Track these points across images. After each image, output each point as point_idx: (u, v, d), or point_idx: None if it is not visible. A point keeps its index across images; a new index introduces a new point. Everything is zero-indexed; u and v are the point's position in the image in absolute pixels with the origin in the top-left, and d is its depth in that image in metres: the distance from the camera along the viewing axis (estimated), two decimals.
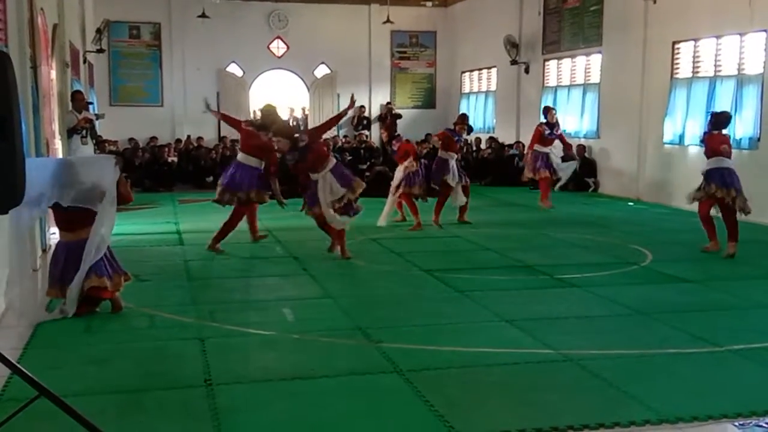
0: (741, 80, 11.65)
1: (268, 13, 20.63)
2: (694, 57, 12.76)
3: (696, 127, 12.24)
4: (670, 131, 13.17)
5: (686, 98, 12.77)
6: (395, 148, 10.84)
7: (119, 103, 19.81)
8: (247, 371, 4.72)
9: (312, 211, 8.28)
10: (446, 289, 7.02)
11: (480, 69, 20.75)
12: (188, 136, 19.34)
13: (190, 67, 20.15)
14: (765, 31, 11.11)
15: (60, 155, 10.34)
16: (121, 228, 8.98)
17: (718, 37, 12.16)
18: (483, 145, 18.93)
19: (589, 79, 15.89)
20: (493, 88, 20.00)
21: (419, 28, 21.97)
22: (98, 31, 17.05)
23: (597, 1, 15.33)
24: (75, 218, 5.84)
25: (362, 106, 21.55)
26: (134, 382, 4.50)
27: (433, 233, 10.28)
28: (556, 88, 17.05)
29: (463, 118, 11.59)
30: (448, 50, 22.02)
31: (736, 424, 3.96)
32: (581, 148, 15.24)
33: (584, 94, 15.93)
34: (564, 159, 13.49)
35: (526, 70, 18.11)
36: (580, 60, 16.21)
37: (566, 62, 16.76)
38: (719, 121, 8.70)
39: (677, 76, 13.09)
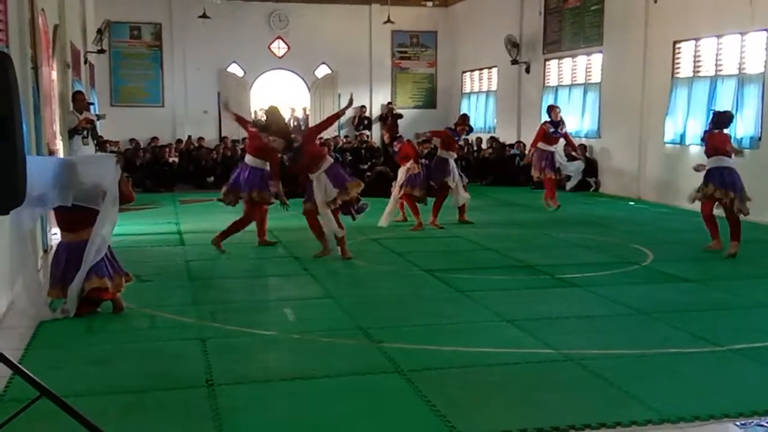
0: (742, 79, 11.65)
1: (268, 14, 20.65)
2: (695, 56, 12.75)
3: (697, 127, 12.23)
4: (671, 131, 13.17)
5: (687, 98, 12.77)
6: (396, 149, 10.83)
7: (120, 103, 19.83)
8: (249, 371, 4.72)
9: (303, 207, 8.29)
10: (447, 289, 7.02)
11: (481, 69, 20.75)
12: (189, 137, 19.36)
13: (190, 68, 20.17)
14: (766, 30, 11.10)
15: (61, 156, 10.35)
16: (122, 228, 8.98)
17: (718, 36, 12.15)
18: (484, 145, 18.93)
19: (590, 79, 15.88)
20: (494, 87, 20.00)
21: (420, 28, 21.98)
22: (99, 31, 17.06)
23: (598, 1, 15.33)
24: (76, 218, 5.84)
25: (363, 106, 21.57)
26: (135, 383, 4.50)
27: (433, 233, 10.28)
28: (556, 88, 17.05)
29: (465, 118, 11.59)
30: (449, 50, 22.03)
31: (738, 423, 3.96)
32: (582, 147, 15.22)
33: (585, 93, 15.92)
34: (570, 158, 13.46)
35: (527, 70, 18.11)
36: (581, 60, 16.20)
37: (567, 62, 16.76)
38: (721, 120, 8.69)
39: (678, 75, 13.09)
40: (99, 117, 13.59)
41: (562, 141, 12.85)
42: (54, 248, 6.92)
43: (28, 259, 5.87)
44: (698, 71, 12.67)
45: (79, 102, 11.49)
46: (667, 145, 13.30)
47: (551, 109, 12.85)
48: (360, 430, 3.93)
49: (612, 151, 15.03)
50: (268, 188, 8.78)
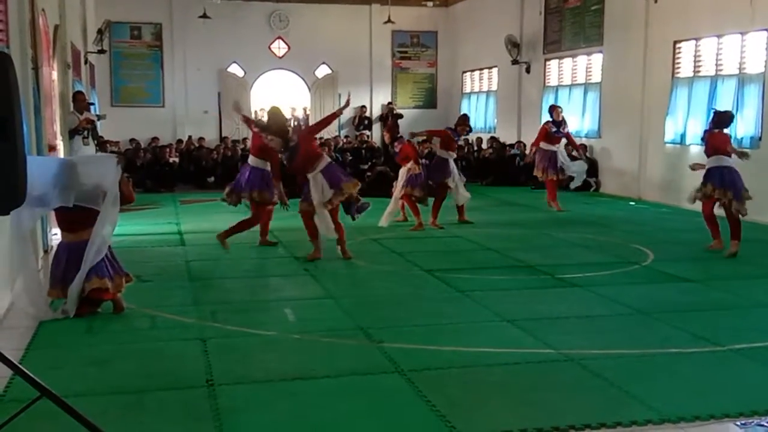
0: (742, 79, 11.65)
1: (269, 14, 20.65)
2: (695, 56, 12.75)
3: (697, 127, 12.23)
4: (671, 130, 13.17)
5: (687, 97, 12.77)
6: (397, 150, 10.83)
7: (120, 103, 19.84)
8: (249, 372, 4.72)
9: (299, 207, 8.28)
10: (447, 289, 7.02)
11: (481, 69, 20.75)
12: (189, 137, 19.37)
13: (191, 68, 20.18)
14: (766, 30, 11.10)
15: (62, 156, 10.35)
16: (122, 229, 8.98)
17: (719, 36, 12.15)
18: (484, 145, 18.94)
19: (590, 79, 15.88)
20: (494, 87, 20.00)
21: (420, 28, 21.98)
22: (99, 31, 17.07)
23: (598, 1, 15.33)
24: (77, 218, 5.84)
25: (363, 107, 21.58)
26: (136, 383, 4.51)
27: (434, 233, 10.28)
28: (557, 88, 17.05)
29: (465, 119, 11.58)
30: (449, 50, 22.03)
31: (738, 423, 3.96)
32: (582, 147, 15.22)
33: (585, 93, 15.92)
34: (572, 158, 13.44)
35: (527, 70, 18.11)
36: (581, 59, 16.20)
37: (567, 62, 16.76)
38: (722, 120, 8.68)
39: (678, 75, 13.09)
40: (99, 117, 13.60)
41: (563, 140, 12.85)
42: (54, 248, 6.93)
43: (29, 258, 5.87)
44: (698, 71, 12.67)
45: (80, 102, 11.50)
46: (668, 144, 13.30)
47: (553, 109, 12.85)
48: (360, 430, 3.93)
49: (612, 151, 15.04)
50: (268, 188, 8.79)
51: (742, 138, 11.49)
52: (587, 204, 13.43)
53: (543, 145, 12.56)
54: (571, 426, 3.88)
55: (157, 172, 16.29)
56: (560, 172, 12.59)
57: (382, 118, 21.36)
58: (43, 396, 3.35)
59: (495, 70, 19.82)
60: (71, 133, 11.05)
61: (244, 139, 19.31)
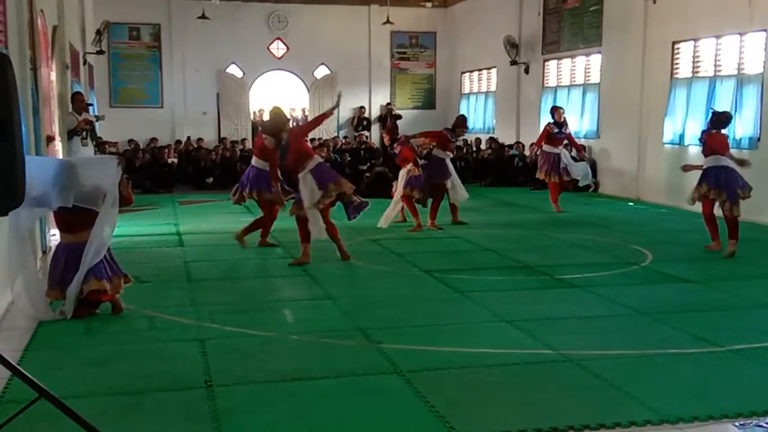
0: (741, 80, 11.65)
1: (267, 14, 20.65)
2: (693, 57, 12.76)
3: (696, 127, 12.23)
4: (670, 131, 13.18)
5: (686, 98, 12.78)
6: (397, 152, 10.83)
7: (119, 104, 19.83)
8: (248, 372, 4.72)
9: (290, 209, 8.27)
10: (446, 289, 7.02)
11: (480, 69, 20.76)
12: (188, 138, 19.37)
13: (190, 69, 20.17)
14: (765, 30, 11.11)
15: (60, 155, 10.35)
16: (121, 229, 8.98)
17: (717, 36, 12.16)
18: (483, 146, 18.94)
19: (588, 80, 15.89)
20: (493, 88, 20.01)
21: (419, 29, 21.99)
22: (98, 32, 17.06)
23: (597, 1, 15.34)
24: (76, 219, 5.83)
25: (362, 107, 21.59)
26: (134, 384, 4.50)
27: (433, 234, 10.28)
28: (555, 89, 17.06)
29: (464, 120, 11.57)
30: (448, 51, 22.03)
31: (737, 424, 3.96)
32: (582, 148, 15.22)
33: (584, 94, 15.93)
34: (576, 159, 13.41)
35: (526, 71, 18.12)
36: (580, 60, 16.21)
37: (566, 62, 16.77)
38: (720, 120, 8.70)
39: (677, 76, 13.10)
40: (98, 118, 13.59)
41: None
42: (53, 249, 6.92)
43: (28, 258, 5.87)
44: (697, 72, 12.68)
45: (78, 103, 11.49)
46: (666, 145, 13.31)
47: (555, 110, 12.83)
48: (359, 431, 3.93)
49: (611, 152, 15.04)
50: (268, 188, 8.81)
51: (740, 139, 11.51)
52: (586, 204, 13.44)
53: (546, 147, 12.53)
54: (570, 426, 3.88)
55: (156, 173, 16.28)
56: (565, 173, 12.53)
57: (381, 119, 21.36)
58: (42, 397, 3.34)
59: (494, 71, 19.83)
60: (70, 134, 11.04)
61: (243, 140, 19.34)
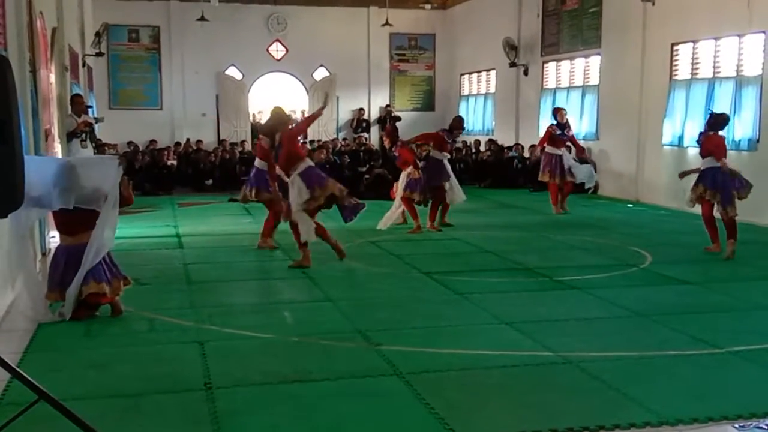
0: (740, 81, 11.66)
1: (267, 16, 20.66)
2: (692, 58, 12.77)
3: (695, 129, 12.20)
4: (669, 133, 13.18)
5: (685, 100, 12.78)
6: (397, 154, 10.83)
7: (118, 106, 19.83)
8: (247, 374, 4.72)
9: (284, 214, 8.26)
10: (446, 291, 7.02)
11: (479, 71, 20.77)
12: (187, 140, 19.36)
13: (189, 71, 20.17)
14: (763, 32, 11.12)
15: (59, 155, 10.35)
16: (121, 231, 8.94)
17: (716, 38, 12.17)
18: (482, 148, 18.94)
19: (588, 81, 15.90)
20: (492, 90, 20.01)
21: (418, 31, 22.00)
22: (97, 34, 17.06)
23: (596, 3, 15.35)
24: (77, 220, 5.82)
25: (361, 109, 21.61)
26: (134, 386, 4.50)
27: (432, 236, 10.27)
28: (555, 90, 17.07)
29: (461, 121, 11.56)
30: (447, 52, 22.05)
31: (736, 426, 3.96)
32: (583, 149, 15.22)
33: (583, 95, 15.94)
34: (580, 161, 13.37)
35: (525, 72, 18.13)
36: (579, 62, 16.22)
37: (565, 64, 16.78)
38: (717, 122, 8.71)
39: (676, 77, 13.11)
40: (97, 120, 13.59)
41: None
42: (52, 252, 6.92)
43: (28, 257, 5.88)
44: (696, 73, 12.69)
45: (78, 105, 11.50)
46: (666, 147, 13.32)
47: (557, 112, 12.80)
48: None
49: (610, 153, 15.05)
50: (266, 188, 8.84)
51: (739, 140, 11.53)
52: (585, 206, 13.43)
53: (548, 148, 12.51)
54: (569, 428, 3.87)
55: (155, 175, 16.27)
56: (569, 174, 12.49)
57: (380, 121, 21.37)
58: (41, 399, 3.34)
59: (493, 73, 19.84)
60: (69, 136, 11.04)
61: (242, 142, 19.34)
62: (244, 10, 20.26)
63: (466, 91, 21.67)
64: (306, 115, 20.88)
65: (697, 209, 8.98)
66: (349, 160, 17.25)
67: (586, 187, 13.57)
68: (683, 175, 9.04)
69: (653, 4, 13.37)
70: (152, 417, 4.08)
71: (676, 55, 13.12)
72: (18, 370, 3.45)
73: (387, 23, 20.03)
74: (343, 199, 8.06)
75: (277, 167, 8.31)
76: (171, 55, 20.14)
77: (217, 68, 20.40)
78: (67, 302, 5.84)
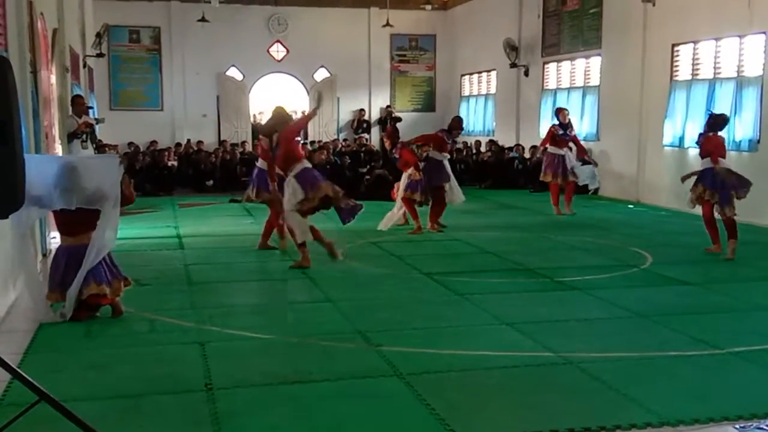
0: (740, 82, 11.66)
1: (267, 17, 20.66)
2: (693, 59, 12.77)
3: (696, 130, 12.19)
4: (669, 133, 13.18)
5: (686, 100, 12.78)
6: (398, 156, 10.83)
7: (119, 107, 19.85)
8: (248, 375, 4.72)
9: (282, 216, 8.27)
10: (446, 292, 7.02)
11: (479, 72, 20.77)
12: (188, 140, 19.36)
13: (190, 72, 20.18)
14: (764, 33, 11.11)
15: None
16: (121, 232, 8.94)
17: (717, 39, 12.16)
18: (483, 148, 18.94)
19: (588, 82, 15.90)
20: (493, 91, 20.02)
21: (419, 32, 22.00)
22: (98, 35, 17.07)
23: (596, 4, 15.35)
24: (78, 220, 5.81)
25: (362, 110, 21.62)
26: (134, 387, 4.50)
27: (433, 236, 10.27)
28: (555, 91, 17.07)
29: (460, 121, 11.54)
30: (448, 53, 22.05)
31: (737, 426, 3.96)
32: (585, 151, 15.20)
33: (584, 96, 15.93)
34: (582, 162, 13.33)
35: (526, 73, 18.13)
36: (580, 63, 16.22)
37: (566, 65, 16.78)
38: (717, 122, 8.72)
39: (677, 78, 13.10)
40: (98, 121, 13.59)
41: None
42: (53, 252, 6.92)
43: (29, 257, 5.88)
44: (697, 74, 12.68)
45: (78, 106, 11.50)
46: (666, 148, 13.31)
47: (559, 112, 12.76)
48: None
49: (611, 154, 15.04)
50: (266, 188, 8.85)
51: (740, 141, 11.52)
52: (586, 207, 13.42)
53: (550, 148, 12.49)
54: (570, 429, 3.87)
55: (156, 176, 16.28)
56: (572, 175, 12.45)
57: (381, 122, 21.38)
58: (42, 400, 3.35)
59: (493, 74, 19.84)
60: (70, 137, 11.05)
61: (243, 143, 19.35)
62: (244, 11, 20.27)
63: (466, 92, 21.67)
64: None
65: (698, 210, 8.98)
66: (349, 161, 17.25)
67: (590, 188, 13.54)
68: (685, 178, 9.04)
69: (654, 4, 13.38)
70: (153, 418, 4.08)
71: (677, 55, 13.11)
72: (18, 370, 3.45)
73: (388, 24, 20.04)
74: (339, 201, 8.04)
75: (277, 167, 8.32)
76: (172, 55, 20.15)
77: (218, 69, 20.41)
78: (68, 302, 5.83)
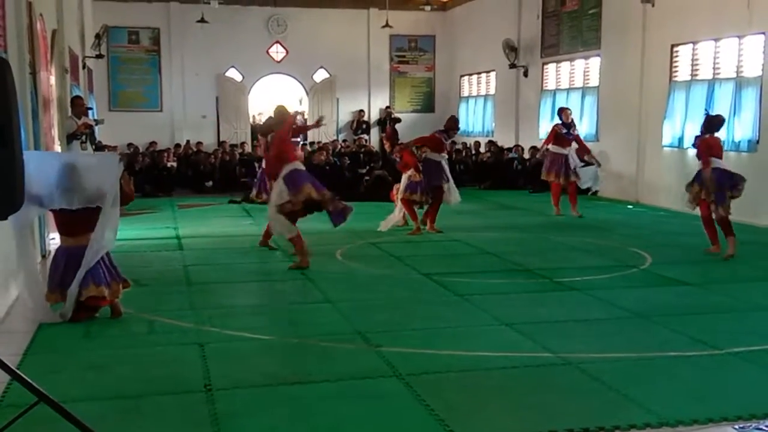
0: (740, 83, 11.66)
1: (267, 18, 20.67)
2: (692, 60, 12.77)
3: (695, 130, 12.20)
4: (669, 134, 13.18)
5: (685, 101, 12.78)
6: (398, 158, 10.82)
7: (118, 108, 19.86)
8: (247, 376, 4.72)
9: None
10: (445, 292, 7.02)
11: (479, 73, 20.78)
12: (187, 141, 19.37)
13: (189, 73, 20.19)
14: (763, 33, 11.12)
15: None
16: (121, 233, 8.92)
17: (716, 39, 12.17)
18: (482, 149, 18.95)
19: (587, 83, 15.90)
20: (492, 91, 20.02)
21: (418, 32, 22.01)
22: (97, 36, 17.07)
23: (595, 5, 15.36)
24: (77, 221, 5.81)
25: (361, 111, 21.63)
26: (133, 388, 4.50)
27: (432, 237, 10.27)
28: (554, 92, 17.07)
29: (456, 121, 11.53)
30: (447, 54, 22.06)
31: (736, 427, 3.96)
32: (588, 150, 15.17)
33: (583, 97, 15.94)
34: (585, 163, 13.28)
35: (525, 74, 18.14)
36: (579, 63, 16.23)
37: (565, 66, 16.78)
38: (713, 124, 8.75)
39: (676, 79, 13.11)
40: (97, 122, 13.60)
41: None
42: (52, 254, 6.91)
43: (28, 256, 5.88)
44: (696, 74, 12.69)
45: (78, 107, 11.50)
46: (665, 148, 13.32)
47: (562, 111, 12.73)
48: None
49: (610, 155, 15.02)
50: (266, 188, 8.88)
51: (739, 141, 11.53)
52: (585, 207, 13.38)
53: (553, 148, 12.44)
54: (569, 429, 3.87)
55: (155, 177, 16.28)
56: (574, 174, 12.42)
57: (380, 122, 21.39)
58: (41, 401, 3.35)
59: (493, 74, 19.85)
60: (69, 138, 11.05)
61: (242, 144, 19.35)
62: (244, 12, 20.28)
63: (466, 93, 21.68)
64: (305, 117, 20.93)
65: (697, 210, 8.98)
66: (349, 162, 17.25)
67: (593, 190, 13.53)
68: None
69: (653, 5, 13.38)
70: (152, 419, 4.08)
71: (676, 56, 13.12)
72: (17, 371, 3.45)
73: (387, 25, 20.05)
74: (327, 204, 8.01)
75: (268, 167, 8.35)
76: (171, 56, 20.15)
77: (217, 70, 20.42)
78: (68, 302, 5.83)
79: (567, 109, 12.92)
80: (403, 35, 21.78)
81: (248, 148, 18.82)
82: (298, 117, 20.74)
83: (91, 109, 13.80)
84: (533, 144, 16.89)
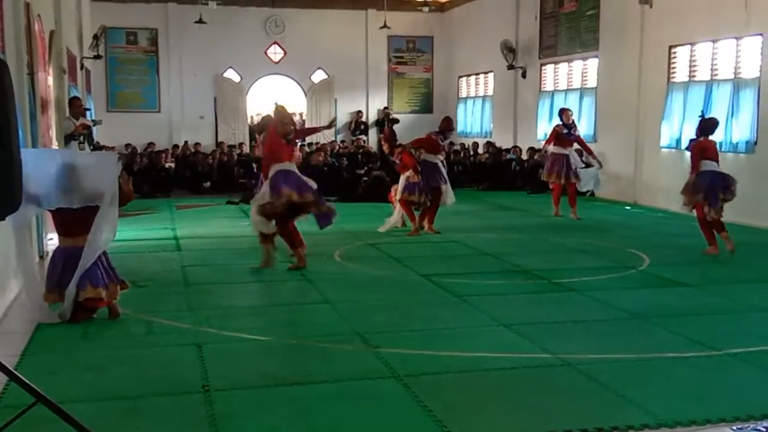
0: (737, 84, 11.68)
1: (265, 19, 20.67)
2: (690, 61, 12.78)
3: (692, 131, 12.20)
4: (666, 135, 13.20)
5: (683, 102, 12.79)
6: (396, 160, 10.81)
7: (116, 109, 19.84)
8: (245, 377, 4.71)
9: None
10: (444, 293, 7.02)
11: (477, 74, 20.79)
12: (185, 142, 19.35)
13: (187, 73, 20.18)
14: (761, 34, 11.13)
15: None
16: (119, 234, 8.89)
17: (714, 41, 12.18)
18: (480, 150, 18.95)
19: (585, 84, 15.91)
20: (490, 92, 20.03)
21: (416, 33, 22.02)
22: (95, 37, 17.06)
23: (593, 6, 15.37)
24: (76, 221, 5.80)
25: (360, 112, 21.62)
26: (131, 389, 4.49)
27: (430, 238, 10.28)
28: (553, 93, 17.08)
29: (451, 121, 11.50)
30: (445, 55, 22.07)
31: (734, 428, 3.96)
32: (579, 152, 15.21)
33: (581, 98, 15.94)
34: (585, 165, 13.26)
35: (523, 75, 18.14)
36: (577, 64, 16.24)
37: (563, 66, 16.79)
38: (707, 126, 8.78)
39: (674, 80, 13.12)
40: (95, 123, 13.60)
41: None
42: (50, 254, 6.91)
43: (27, 256, 5.88)
44: (694, 76, 12.70)
45: (76, 108, 11.50)
46: (663, 149, 13.33)
47: (563, 112, 12.68)
48: None
49: (608, 156, 15.00)
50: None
51: (737, 143, 11.54)
52: (583, 209, 13.38)
53: (554, 148, 12.40)
54: (567, 430, 3.88)
55: (153, 178, 16.26)
56: (575, 176, 12.39)
57: (379, 123, 21.39)
58: (39, 402, 3.34)
59: (491, 75, 19.86)
60: (67, 139, 11.04)
61: (240, 144, 19.34)
62: (242, 13, 20.27)
63: (464, 94, 21.69)
64: (304, 118, 20.94)
65: (694, 212, 8.99)
66: (347, 163, 17.24)
67: (595, 192, 13.53)
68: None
69: (651, 6, 13.39)
70: (150, 419, 4.07)
71: (674, 57, 13.13)
72: (15, 372, 3.44)
73: (385, 26, 20.06)
74: (310, 207, 7.99)
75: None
76: (169, 57, 20.14)
77: (215, 71, 20.41)
78: (66, 302, 5.82)
79: (568, 109, 12.90)
80: (401, 36, 21.78)
81: (246, 149, 18.82)
82: (296, 118, 20.90)
83: (89, 109, 13.80)
84: (531, 145, 16.91)
